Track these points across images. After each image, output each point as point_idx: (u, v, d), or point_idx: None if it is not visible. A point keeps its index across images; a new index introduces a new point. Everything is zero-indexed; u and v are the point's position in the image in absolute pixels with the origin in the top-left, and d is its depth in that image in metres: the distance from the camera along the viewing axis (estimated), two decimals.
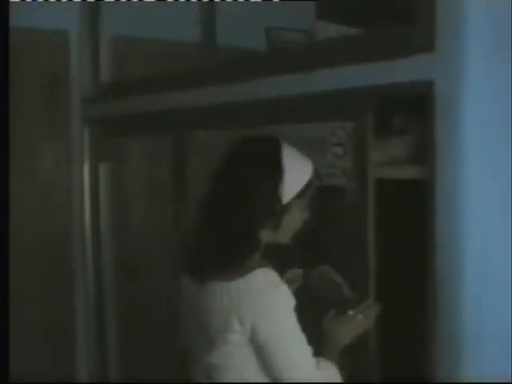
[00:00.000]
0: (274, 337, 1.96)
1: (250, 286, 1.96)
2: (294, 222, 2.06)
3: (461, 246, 1.96)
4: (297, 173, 2.01)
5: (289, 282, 2.13)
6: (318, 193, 2.09)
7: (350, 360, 2.11)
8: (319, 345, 2.06)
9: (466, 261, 1.96)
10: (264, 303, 1.95)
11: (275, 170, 1.98)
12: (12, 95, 3.58)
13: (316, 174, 2.07)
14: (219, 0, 3.27)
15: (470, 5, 1.91)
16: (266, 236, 2.03)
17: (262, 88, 2.61)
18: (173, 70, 3.22)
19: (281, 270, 2.05)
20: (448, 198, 1.97)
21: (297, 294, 2.04)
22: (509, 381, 1.99)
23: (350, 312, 2.12)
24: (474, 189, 1.96)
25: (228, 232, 1.99)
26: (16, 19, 3.54)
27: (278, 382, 2.00)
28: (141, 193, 3.58)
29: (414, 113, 2.21)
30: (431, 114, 1.98)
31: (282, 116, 2.54)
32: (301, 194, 2.02)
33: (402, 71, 2.07)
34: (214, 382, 2.08)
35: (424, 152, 2.06)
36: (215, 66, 3.00)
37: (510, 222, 2.01)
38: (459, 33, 1.91)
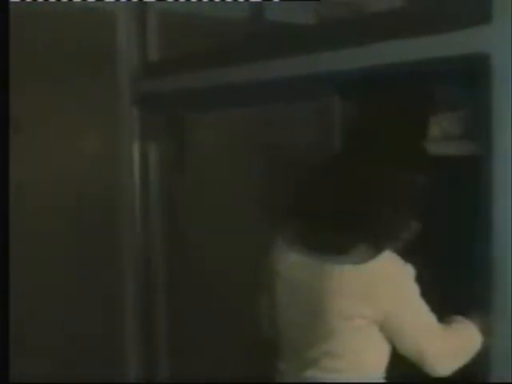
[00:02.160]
0: (410, 317, 1.95)
1: (381, 269, 1.93)
2: None
3: None
4: None
5: None
6: None
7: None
8: None
9: None
10: (397, 285, 1.93)
11: None
12: (57, 73, 3.65)
13: None
14: None
15: None
16: None
17: (312, 62, 2.57)
18: (222, 45, 3.18)
19: None
20: (504, 174, 1.92)
21: None
22: None
23: None
24: None
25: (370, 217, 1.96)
26: None
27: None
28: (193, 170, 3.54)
29: (469, 87, 2.15)
30: (487, 88, 1.93)
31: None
32: None
33: (456, 44, 2.01)
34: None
35: (479, 127, 2.01)
36: (264, 40, 2.97)
37: None
38: None
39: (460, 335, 2.02)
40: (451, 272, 2.28)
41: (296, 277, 2.04)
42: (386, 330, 1.95)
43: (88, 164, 3.73)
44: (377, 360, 2.02)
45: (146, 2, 3.78)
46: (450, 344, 2.00)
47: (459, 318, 2.06)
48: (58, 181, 3.57)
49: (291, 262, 2.06)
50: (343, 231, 1.96)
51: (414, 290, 1.95)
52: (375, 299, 1.90)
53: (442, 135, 2.22)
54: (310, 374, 2.01)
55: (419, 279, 2.00)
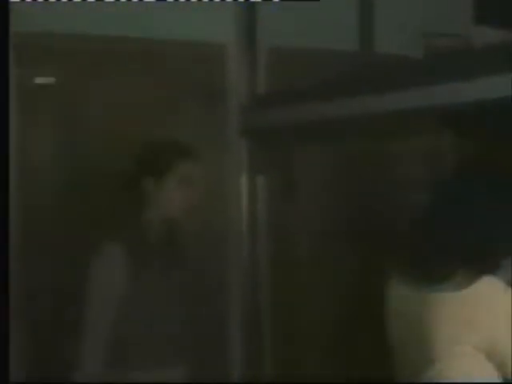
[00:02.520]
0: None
1: (482, 294, 1.92)
2: None
3: None
4: None
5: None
6: None
7: None
8: None
9: None
10: (500, 310, 1.91)
11: None
12: (168, 107, 3.77)
13: None
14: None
15: None
16: None
17: (418, 97, 2.59)
18: (330, 78, 3.22)
19: None
20: None
21: None
22: None
23: None
24: None
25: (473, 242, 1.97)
26: (174, 33, 3.70)
27: None
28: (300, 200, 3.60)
29: None
30: None
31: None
32: None
33: None
34: None
35: None
36: (372, 74, 3.00)
37: None
38: None
39: None
40: None
41: (403, 305, 2.07)
42: (494, 359, 1.94)
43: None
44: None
45: (255, 36, 3.86)
46: None
47: None
48: None
49: (399, 289, 2.09)
50: (445, 259, 1.98)
51: None
52: (478, 326, 1.89)
53: None
54: None
55: None
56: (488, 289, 1.92)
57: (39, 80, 3.61)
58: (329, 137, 3.15)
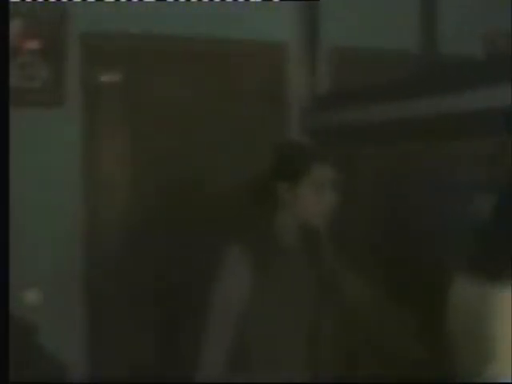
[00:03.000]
0: None
1: None
2: None
3: None
4: None
5: None
6: None
7: None
8: None
9: None
10: None
11: None
12: (230, 107, 3.80)
13: None
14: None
15: None
16: None
17: (487, 97, 2.58)
18: (392, 79, 3.22)
19: None
20: None
21: None
22: None
23: None
24: None
25: None
26: (236, 31, 3.73)
27: None
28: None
29: None
30: None
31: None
32: None
33: None
34: None
35: None
36: (436, 74, 2.98)
37: None
38: None
39: None
40: None
41: (469, 301, 2.06)
42: None
43: None
44: None
45: (316, 35, 3.87)
46: None
47: None
48: None
49: (464, 290, 2.11)
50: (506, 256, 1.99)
51: None
52: None
53: None
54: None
55: None
56: None
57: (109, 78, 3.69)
58: (390, 138, 3.14)
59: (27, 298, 3.51)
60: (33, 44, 3.41)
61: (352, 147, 3.44)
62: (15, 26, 3.32)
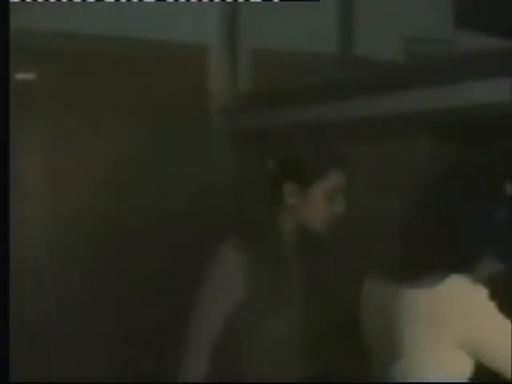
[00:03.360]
0: (493, 337, 1.94)
1: (449, 293, 1.94)
2: None
3: None
4: None
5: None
6: None
7: None
8: None
9: None
10: (469, 308, 1.93)
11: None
12: (154, 108, 3.76)
13: None
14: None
15: None
16: None
17: (400, 101, 2.58)
18: (311, 81, 3.21)
19: None
20: None
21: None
22: None
23: None
24: None
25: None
26: (156, 33, 3.68)
27: None
28: None
29: None
30: None
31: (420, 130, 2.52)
32: None
33: None
34: None
35: None
36: (352, 78, 2.99)
37: None
38: None
39: None
40: None
41: (379, 300, 2.12)
42: (472, 353, 1.95)
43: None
44: (461, 370, 2.02)
45: (237, 37, 3.85)
46: None
47: None
48: None
49: (377, 285, 2.15)
50: (419, 256, 2.01)
51: (488, 309, 1.95)
52: (447, 323, 1.92)
53: None
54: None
55: None
56: (454, 287, 1.95)
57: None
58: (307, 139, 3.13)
59: None
60: None
61: (272, 148, 3.43)
62: None
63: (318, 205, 2.36)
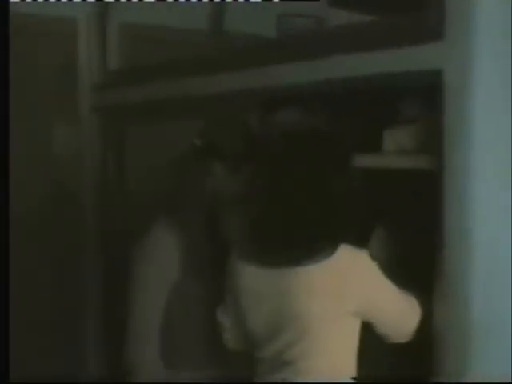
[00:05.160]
0: (383, 304, 1.99)
1: (343, 263, 1.95)
2: None
3: (470, 240, 1.93)
4: None
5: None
6: None
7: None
8: None
9: (475, 256, 1.93)
10: (364, 273, 1.96)
11: None
12: (21, 82, 3.64)
13: None
14: None
15: None
16: None
17: (270, 76, 2.58)
18: (180, 56, 3.18)
19: None
20: (457, 188, 1.94)
21: None
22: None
23: None
24: (482, 178, 1.93)
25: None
26: (22, 6, 3.56)
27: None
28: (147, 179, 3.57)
29: (423, 102, 2.19)
30: (440, 103, 1.96)
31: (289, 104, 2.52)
32: None
33: (410, 60, 2.04)
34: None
35: (433, 142, 2.03)
36: (223, 53, 2.98)
37: None
38: (468, 21, 1.88)
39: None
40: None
41: (259, 286, 2.05)
42: (367, 317, 1.98)
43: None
44: (349, 361, 2.04)
45: (106, 14, 3.78)
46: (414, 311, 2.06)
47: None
48: None
49: (251, 274, 2.08)
50: (299, 235, 1.99)
51: (376, 270, 1.99)
52: (346, 293, 1.93)
53: (396, 149, 2.24)
54: (282, 375, 2.03)
55: None
56: (346, 256, 1.96)
57: None
58: (175, 114, 3.11)
59: None
60: None
61: (140, 124, 3.41)
62: None
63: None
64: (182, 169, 2.44)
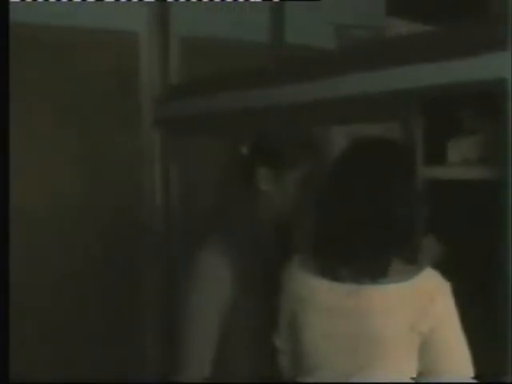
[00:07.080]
0: (453, 333, 1.94)
1: (427, 285, 1.92)
2: None
3: None
4: None
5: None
6: None
7: None
8: None
9: None
10: (444, 299, 1.92)
11: None
12: (82, 97, 3.70)
13: None
14: None
15: None
16: None
17: (331, 87, 2.59)
18: (242, 69, 3.20)
19: None
20: None
21: None
22: None
23: None
24: None
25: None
26: (86, 20, 3.62)
27: None
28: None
29: (486, 111, 2.17)
30: (504, 112, 1.94)
31: (349, 116, 2.52)
32: None
33: (474, 69, 2.03)
34: None
35: (496, 152, 2.02)
36: (284, 65, 2.99)
37: None
38: None
39: None
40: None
41: (333, 303, 2.00)
42: (430, 344, 1.93)
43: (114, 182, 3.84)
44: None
45: (168, 25, 3.82)
46: None
47: None
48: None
49: (322, 289, 2.02)
50: (379, 252, 1.94)
51: (453, 303, 1.95)
52: (424, 314, 1.88)
53: (461, 159, 2.23)
54: None
55: None
56: (432, 279, 1.93)
57: None
58: (238, 127, 3.11)
59: None
60: None
61: (202, 137, 3.43)
62: None
63: (290, 193, 2.24)
64: (227, 181, 2.42)
